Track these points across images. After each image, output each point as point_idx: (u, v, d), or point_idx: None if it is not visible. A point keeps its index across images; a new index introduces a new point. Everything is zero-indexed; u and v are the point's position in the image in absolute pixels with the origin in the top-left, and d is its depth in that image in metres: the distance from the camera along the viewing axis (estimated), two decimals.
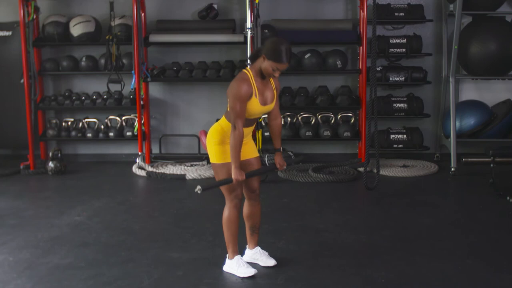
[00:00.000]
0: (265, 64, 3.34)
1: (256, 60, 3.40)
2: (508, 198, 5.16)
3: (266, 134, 6.51)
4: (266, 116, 3.65)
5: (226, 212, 3.55)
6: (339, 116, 6.89)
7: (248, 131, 3.54)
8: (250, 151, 3.59)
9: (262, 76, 3.42)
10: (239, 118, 3.33)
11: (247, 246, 3.75)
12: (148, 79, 6.77)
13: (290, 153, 6.72)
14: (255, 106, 3.40)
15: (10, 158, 7.10)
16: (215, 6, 6.88)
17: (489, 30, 6.55)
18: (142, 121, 6.82)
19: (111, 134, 6.97)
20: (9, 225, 4.63)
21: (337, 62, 6.74)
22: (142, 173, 6.45)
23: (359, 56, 6.77)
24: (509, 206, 5.04)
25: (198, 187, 3.31)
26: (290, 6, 7.03)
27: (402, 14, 6.74)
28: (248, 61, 3.33)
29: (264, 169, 3.62)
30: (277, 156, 3.67)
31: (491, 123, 6.58)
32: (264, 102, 3.44)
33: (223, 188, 3.52)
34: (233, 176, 3.37)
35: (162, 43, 6.92)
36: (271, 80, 3.49)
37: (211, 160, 3.53)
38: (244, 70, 3.44)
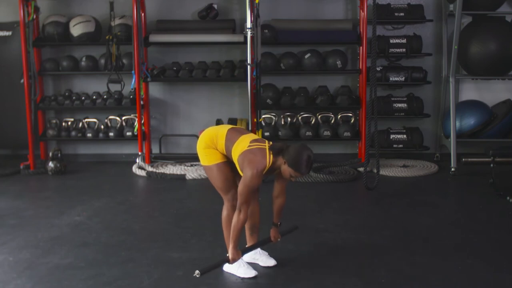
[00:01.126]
0: (284, 167, 3.33)
1: (278, 157, 3.34)
2: (508, 198, 5.16)
3: (266, 133, 6.52)
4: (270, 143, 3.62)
5: (224, 212, 3.57)
6: (339, 116, 6.89)
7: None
8: None
9: (277, 169, 3.40)
10: (246, 203, 3.35)
11: (246, 246, 3.75)
12: (148, 79, 6.77)
13: None
14: None
15: (10, 158, 7.09)
16: (215, 6, 6.88)
17: (489, 30, 6.55)
18: (142, 121, 6.82)
19: (111, 134, 6.97)
20: (9, 225, 4.63)
21: (337, 62, 6.74)
22: (142, 173, 6.45)
23: (359, 56, 6.77)
24: (509, 206, 5.04)
25: (197, 271, 3.29)
26: (290, 6, 7.02)
27: (402, 14, 6.73)
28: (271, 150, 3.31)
29: (258, 244, 3.69)
30: (273, 230, 3.71)
31: (491, 123, 6.58)
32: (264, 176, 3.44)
33: (219, 189, 3.55)
34: (230, 256, 3.43)
35: (162, 43, 6.92)
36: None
37: (203, 163, 3.57)
38: (266, 152, 3.35)
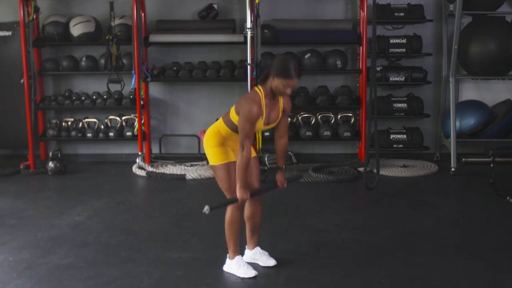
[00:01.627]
0: (275, 83, 3.34)
1: (267, 81, 3.40)
2: (508, 198, 5.16)
3: (266, 134, 6.52)
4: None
5: (229, 213, 3.56)
6: (339, 116, 6.89)
7: None
8: None
9: (273, 96, 3.42)
10: (248, 138, 3.34)
11: (246, 246, 3.76)
12: (148, 79, 6.77)
13: (290, 153, 6.73)
14: (258, 125, 3.42)
15: (10, 158, 7.10)
16: (215, 6, 6.88)
17: (489, 30, 6.55)
18: (142, 121, 6.82)
19: (111, 134, 6.97)
20: (9, 225, 4.63)
21: (337, 62, 6.74)
22: (142, 173, 6.45)
23: (359, 56, 6.77)
24: (509, 206, 5.04)
25: (206, 207, 3.30)
26: (290, 6, 7.03)
27: (402, 14, 6.74)
28: (258, 82, 3.38)
29: (265, 188, 3.69)
30: (278, 174, 3.67)
31: (491, 123, 6.58)
32: (267, 122, 3.47)
33: (224, 190, 3.54)
34: (238, 195, 3.40)
35: (162, 43, 6.92)
36: (280, 100, 3.49)
37: (210, 162, 3.55)
38: (256, 89, 3.44)
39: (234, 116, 3.44)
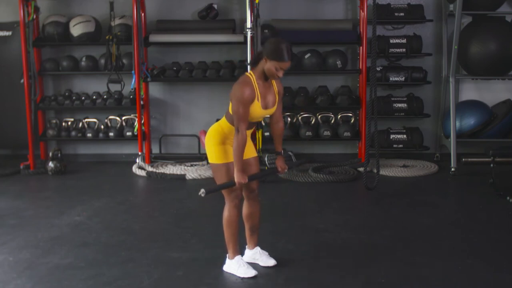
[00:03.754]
0: (267, 65, 3.33)
1: (258, 64, 3.40)
2: (508, 198, 5.16)
3: (266, 134, 6.52)
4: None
5: (226, 212, 3.55)
6: (339, 116, 6.89)
7: (249, 132, 3.54)
8: (249, 151, 3.59)
9: (265, 78, 3.42)
10: (243, 121, 3.33)
11: (246, 246, 3.75)
12: (148, 79, 6.77)
13: (290, 153, 6.73)
14: (257, 110, 3.40)
15: (10, 158, 7.10)
16: (215, 6, 6.88)
17: (489, 30, 6.55)
18: (142, 121, 6.82)
19: (111, 134, 6.97)
20: (9, 225, 4.63)
21: (337, 62, 6.74)
22: (142, 173, 6.45)
23: (359, 56, 6.77)
24: (509, 206, 5.04)
25: (202, 190, 3.30)
26: (290, 6, 7.03)
27: (402, 14, 6.74)
28: (249, 65, 3.35)
29: (266, 172, 3.65)
30: (278, 159, 3.67)
31: (491, 123, 6.58)
32: (265, 106, 3.45)
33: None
34: (235, 179, 3.37)
35: (162, 43, 6.93)
36: (273, 83, 3.49)
37: (210, 160, 3.53)
38: (247, 73, 3.44)
39: (230, 107, 3.43)
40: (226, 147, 3.49)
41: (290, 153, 6.72)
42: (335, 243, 4.15)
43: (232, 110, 3.36)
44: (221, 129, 3.50)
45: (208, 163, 6.51)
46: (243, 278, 3.51)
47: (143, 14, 6.72)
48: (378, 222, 4.70)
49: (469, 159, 6.20)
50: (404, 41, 6.74)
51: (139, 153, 6.78)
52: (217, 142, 3.49)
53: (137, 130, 6.78)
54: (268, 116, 3.61)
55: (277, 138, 3.65)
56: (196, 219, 4.76)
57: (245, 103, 3.32)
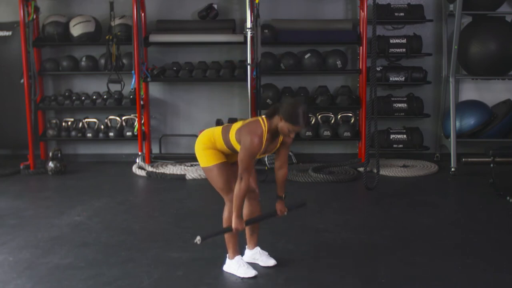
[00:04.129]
0: (281, 124, 3.34)
1: (273, 118, 3.39)
2: (508, 198, 5.16)
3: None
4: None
5: (226, 212, 3.56)
6: (339, 116, 6.89)
7: None
8: None
9: (275, 133, 3.42)
10: (247, 171, 3.34)
11: (246, 246, 3.76)
12: (148, 79, 6.77)
13: (290, 153, 6.72)
14: None
15: (10, 158, 7.09)
16: (215, 6, 6.88)
17: (489, 30, 6.55)
18: (142, 121, 6.82)
19: (111, 134, 6.97)
20: (9, 225, 4.63)
21: (337, 62, 6.74)
22: (142, 173, 6.45)
23: (359, 56, 6.77)
24: (509, 206, 5.04)
25: (198, 237, 3.32)
26: (290, 6, 7.03)
27: (402, 14, 6.74)
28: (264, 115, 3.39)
29: (263, 216, 3.69)
30: (278, 203, 3.68)
31: (491, 123, 6.58)
32: (263, 152, 3.46)
33: (220, 190, 3.54)
34: (233, 225, 3.41)
35: (162, 43, 6.92)
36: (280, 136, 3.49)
37: (202, 165, 3.56)
38: (260, 121, 3.41)
39: (233, 141, 3.43)
40: (215, 151, 3.51)
41: (290, 153, 6.72)
42: (335, 243, 4.15)
43: (239, 156, 3.35)
44: (214, 141, 3.51)
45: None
46: (243, 278, 3.51)
47: (143, 14, 6.72)
48: (378, 222, 4.70)
49: (469, 159, 6.20)
50: (404, 41, 6.74)
51: (139, 153, 6.78)
52: (206, 147, 3.53)
53: (137, 130, 6.78)
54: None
55: (279, 183, 3.65)
56: (196, 219, 4.76)
57: (253, 155, 3.35)
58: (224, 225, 3.57)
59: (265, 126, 3.38)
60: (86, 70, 6.97)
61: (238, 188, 3.35)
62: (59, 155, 6.53)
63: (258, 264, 3.69)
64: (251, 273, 3.53)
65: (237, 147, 3.41)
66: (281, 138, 3.50)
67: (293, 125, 3.31)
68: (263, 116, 3.44)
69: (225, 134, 3.48)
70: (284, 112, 3.32)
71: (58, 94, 7.15)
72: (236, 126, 3.47)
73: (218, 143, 3.50)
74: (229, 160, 3.54)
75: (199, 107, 7.17)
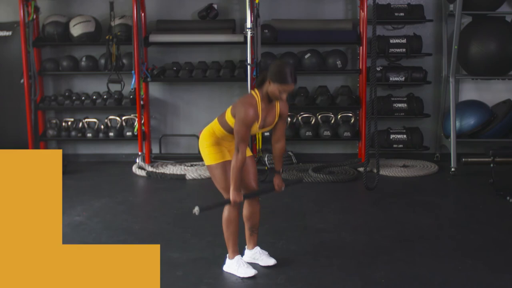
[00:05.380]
0: (271, 87, 3.35)
1: (263, 85, 3.41)
2: (508, 198, 5.16)
3: (266, 134, 6.52)
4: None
5: (225, 212, 3.56)
6: (339, 116, 6.89)
7: None
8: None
9: (269, 100, 3.44)
10: (243, 142, 3.35)
11: (246, 246, 3.76)
12: (148, 79, 6.77)
13: (290, 153, 6.73)
14: (252, 129, 3.44)
15: None
16: (215, 6, 6.88)
17: (489, 30, 6.55)
18: (142, 121, 6.82)
19: (111, 134, 6.97)
20: None
21: (337, 62, 6.74)
22: (142, 173, 6.45)
23: (359, 56, 6.77)
24: (509, 206, 5.04)
25: (196, 208, 3.34)
26: (290, 6, 7.03)
27: (402, 14, 6.74)
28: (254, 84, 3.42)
29: (262, 191, 3.70)
30: (276, 177, 3.69)
31: (491, 123, 6.58)
32: (262, 126, 3.48)
33: (221, 189, 3.54)
34: (231, 198, 3.41)
35: (162, 43, 6.92)
36: (277, 104, 3.51)
37: (206, 163, 3.56)
38: (252, 92, 3.46)
39: (230, 118, 3.44)
40: (221, 147, 3.52)
41: (290, 153, 6.73)
42: (335, 243, 4.15)
43: (234, 129, 3.37)
44: (213, 132, 3.54)
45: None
46: (243, 278, 3.51)
47: (143, 14, 6.72)
48: (378, 222, 4.70)
49: (469, 159, 6.20)
50: (404, 41, 6.74)
51: (139, 153, 6.78)
52: (211, 144, 3.52)
53: (137, 130, 6.78)
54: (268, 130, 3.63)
55: (277, 157, 3.67)
56: (196, 219, 4.73)
57: (248, 125, 3.35)
58: (224, 225, 3.57)
59: (257, 96, 3.41)
60: (86, 70, 6.97)
61: (235, 159, 3.35)
62: None
63: (258, 264, 3.69)
64: (251, 273, 3.53)
65: (231, 122, 3.44)
66: (278, 110, 3.50)
67: (282, 84, 3.32)
68: (255, 89, 3.47)
69: (221, 118, 3.51)
70: (271, 74, 3.34)
71: (58, 94, 7.15)
72: (230, 107, 3.50)
73: (217, 130, 3.51)
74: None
75: (199, 107, 7.17)
